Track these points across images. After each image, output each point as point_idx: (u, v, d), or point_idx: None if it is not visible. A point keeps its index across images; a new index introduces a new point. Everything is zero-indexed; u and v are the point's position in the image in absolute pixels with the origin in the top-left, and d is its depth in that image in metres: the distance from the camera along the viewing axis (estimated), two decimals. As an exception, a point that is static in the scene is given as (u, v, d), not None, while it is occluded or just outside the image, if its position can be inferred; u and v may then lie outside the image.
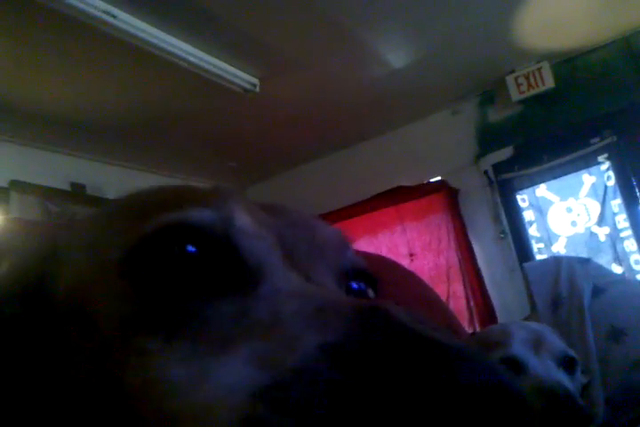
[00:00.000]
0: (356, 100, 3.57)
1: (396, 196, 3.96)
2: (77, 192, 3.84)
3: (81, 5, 2.39)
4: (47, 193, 3.72)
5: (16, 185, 3.59)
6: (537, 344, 1.02)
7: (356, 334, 0.27)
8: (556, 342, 1.05)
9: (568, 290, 1.88)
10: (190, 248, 0.34)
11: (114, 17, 2.47)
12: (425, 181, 3.98)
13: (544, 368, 0.98)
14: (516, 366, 0.99)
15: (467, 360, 0.24)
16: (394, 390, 0.23)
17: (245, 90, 3.22)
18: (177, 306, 0.32)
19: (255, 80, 3.20)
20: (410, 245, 3.97)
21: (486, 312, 3.57)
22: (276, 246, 0.36)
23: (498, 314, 3.53)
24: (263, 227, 0.37)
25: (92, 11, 2.43)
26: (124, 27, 2.54)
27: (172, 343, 0.31)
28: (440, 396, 0.22)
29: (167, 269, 0.33)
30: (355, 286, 0.40)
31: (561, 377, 0.97)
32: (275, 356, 0.28)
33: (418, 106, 3.79)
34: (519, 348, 1.01)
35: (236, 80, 3.13)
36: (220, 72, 3.03)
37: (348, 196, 4.06)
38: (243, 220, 0.36)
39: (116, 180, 3.88)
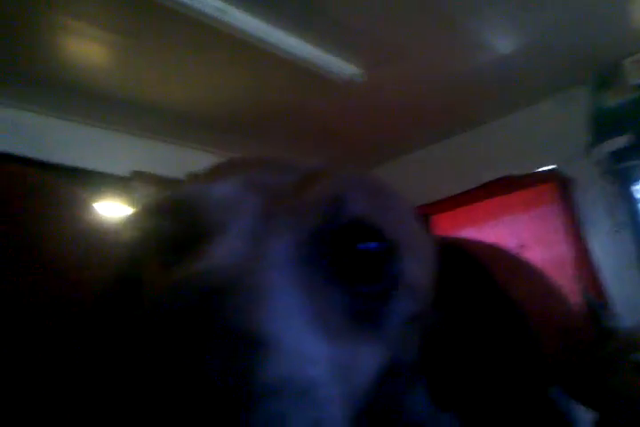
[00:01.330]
0: (461, 88, 3.50)
1: (504, 185, 3.84)
2: (192, 182, 4.08)
3: (194, 3, 2.54)
4: (166, 183, 3.98)
5: (138, 175, 3.88)
6: None
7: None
8: None
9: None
10: (164, 219, 0.41)
11: (225, 13, 2.59)
12: (534, 171, 3.83)
13: None
14: None
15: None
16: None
17: (349, 81, 3.26)
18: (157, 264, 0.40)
19: (359, 70, 3.23)
20: (518, 238, 3.83)
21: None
22: (246, 212, 0.38)
23: (615, 310, 3.34)
24: (245, 193, 0.40)
25: (204, 8, 2.57)
26: (234, 22, 2.66)
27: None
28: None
29: (153, 235, 0.42)
30: (367, 245, 0.37)
31: None
32: None
33: (526, 92, 3.65)
34: None
35: (340, 71, 3.18)
36: (324, 64, 3.09)
37: (452, 186, 4.00)
38: (217, 190, 0.40)
39: (226, 170, 4.06)
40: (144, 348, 0.26)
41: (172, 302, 0.28)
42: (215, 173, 0.43)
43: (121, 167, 3.76)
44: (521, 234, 3.84)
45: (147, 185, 3.89)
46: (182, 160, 4.09)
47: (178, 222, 0.40)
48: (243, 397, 0.25)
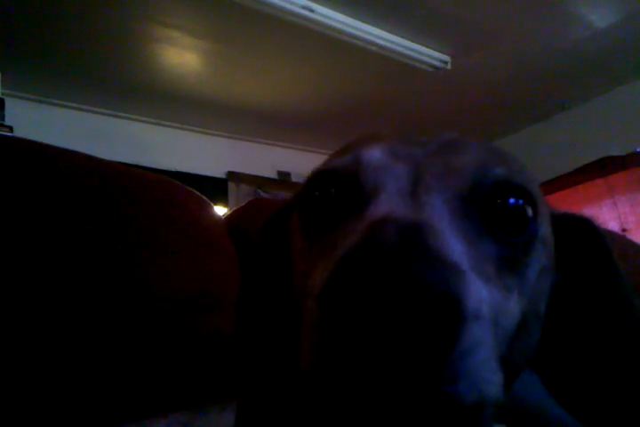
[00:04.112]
0: (555, 67, 3.36)
1: (604, 167, 3.67)
2: (283, 179, 4.17)
3: (282, 3, 2.59)
4: (258, 181, 4.09)
5: (232, 176, 4.01)
6: None
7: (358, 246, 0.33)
8: None
9: None
10: (327, 188, 0.43)
11: (312, 11, 2.62)
12: (637, 150, 3.63)
13: None
14: None
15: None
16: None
17: (436, 68, 3.22)
18: (321, 230, 0.42)
19: (446, 57, 3.19)
20: (621, 221, 3.66)
21: None
22: (399, 176, 0.41)
23: None
24: (394, 160, 0.43)
25: (292, 7, 2.61)
26: (321, 19, 2.69)
27: (315, 259, 0.40)
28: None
29: (315, 202, 0.43)
30: (511, 201, 0.41)
31: None
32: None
33: (625, 68, 3.46)
34: None
35: (427, 59, 3.15)
36: (412, 53, 3.07)
37: (548, 170, 3.85)
38: (368, 158, 0.43)
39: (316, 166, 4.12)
40: (374, 272, 0.29)
41: (389, 235, 0.32)
42: (357, 146, 0.45)
43: (217, 169, 3.90)
44: (624, 218, 3.65)
45: (240, 185, 4.02)
46: (275, 159, 4.20)
47: (340, 186, 0.42)
48: (457, 316, 0.29)
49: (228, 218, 1.18)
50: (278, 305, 0.49)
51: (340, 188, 0.42)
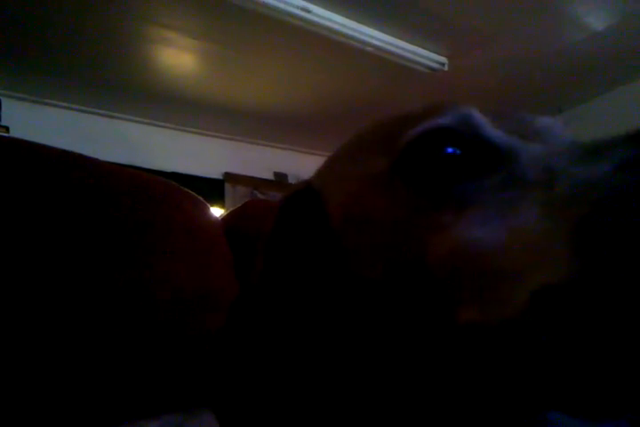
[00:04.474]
0: (551, 69, 3.37)
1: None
2: (280, 181, 4.17)
3: (278, 4, 2.59)
4: (254, 183, 4.08)
5: (229, 177, 4.00)
6: None
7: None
8: None
9: None
10: (447, 145, 0.41)
11: (309, 12, 2.63)
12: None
13: None
14: None
15: None
16: None
17: (433, 69, 3.23)
18: (456, 189, 0.39)
19: (443, 59, 3.19)
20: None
21: None
22: (510, 133, 0.42)
23: None
24: (494, 120, 0.44)
25: (288, 8, 2.61)
26: (318, 20, 2.69)
27: (463, 215, 0.38)
28: None
29: (437, 164, 0.40)
30: None
31: None
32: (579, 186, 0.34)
33: (622, 70, 3.47)
34: None
35: (424, 60, 3.15)
36: (408, 54, 3.07)
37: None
38: (479, 117, 0.43)
39: (313, 167, 4.11)
40: None
41: None
42: (454, 108, 0.44)
43: (213, 170, 3.90)
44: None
45: (237, 186, 4.02)
46: (271, 161, 4.20)
47: (463, 145, 0.42)
48: None
49: (225, 219, 1.18)
50: (326, 296, 0.45)
51: (461, 146, 0.41)
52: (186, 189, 1.06)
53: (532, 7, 2.79)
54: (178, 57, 3.07)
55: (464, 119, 0.42)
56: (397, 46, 3.02)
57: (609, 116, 3.70)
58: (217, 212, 3.82)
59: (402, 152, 0.42)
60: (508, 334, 0.33)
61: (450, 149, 0.40)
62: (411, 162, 0.41)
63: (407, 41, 3.02)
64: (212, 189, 3.82)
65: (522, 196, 0.37)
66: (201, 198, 1.08)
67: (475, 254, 0.36)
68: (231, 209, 1.26)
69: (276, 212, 0.49)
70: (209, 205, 1.11)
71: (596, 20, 2.96)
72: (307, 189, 0.49)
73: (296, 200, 0.50)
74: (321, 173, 0.51)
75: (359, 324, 0.43)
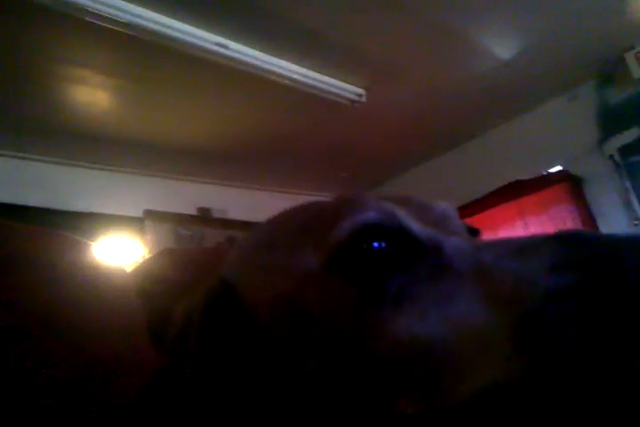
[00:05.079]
0: (464, 97, 3.51)
1: (515, 190, 3.84)
2: (204, 216, 4.07)
3: (195, 41, 2.55)
4: (177, 219, 3.96)
5: (149, 214, 3.86)
6: None
7: (570, 253, 0.36)
8: None
9: None
10: (378, 241, 0.43)
11: (226, 48, 2.61)
12: (544, 173, 3.82)
13: None
14: None
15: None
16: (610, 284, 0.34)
17: (352, 101, 3.27)
18: (390, 283, 0.40)
19: (361, 90, 3.24)
20: (534, 240, 3.81)
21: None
22: (427, 224, 0.46)
23: None
24: (407, 212, 0.46)
25: (205, 44, 2.58)
26: (236, 55, 2.68)
27: (401, 309, 0.39)
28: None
29: (372, 260, 0.42)
30: None
31: None
32: (518, 284, 0.36)
33: (530, 96, 3.66)
34: None
35: (343, 93, 3.19)
36: (326, 87, 3.10)
37: (462, 195, 3.98)
38: (399, 212, 0.45)
39: (238, 201, 4.07)
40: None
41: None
42: (377, 204, 0.47)
43: (133, 208, 3.75)
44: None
45: (158, 223, 3.89)
46: (194, 196, 4.10)
47: (390, 239, 0.43)
48: None
49: (135, 274, 1.08)
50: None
51: (389, 240, 0.42)
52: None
53: (441, 38, 2.90)
54: (92, 95, 2.96)
55: (389, 214, 0.44)
56: (315, 79, 3.04)
57: (520, 140, 3.89)
58: (139, 251, 3.68)
59: (337, 250, 0.42)
60: (450, 425, 0.35)
61: (381, 245, 0.42)
62: (346, 259, 0.42)
63: (324, 73, 3.06)
64: (133, 227, 3.68)
65: (457, 288, 0.38)
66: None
67: (417, 349, 0.37)
68: (144, 261, 1.16)
69: (200, 304, 0.47)
70: (129, 243, 1.00)
71: (503, 50, 3.11)
72: (221, 285, 0.48)
73: (213, 297, 0.48)
74: (234, 264, 0.50)
75: (297, 414, 0.42)
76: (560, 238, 0.38)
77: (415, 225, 0.44)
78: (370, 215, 0.43)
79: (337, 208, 0.46)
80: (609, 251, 0.35)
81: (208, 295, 0.48)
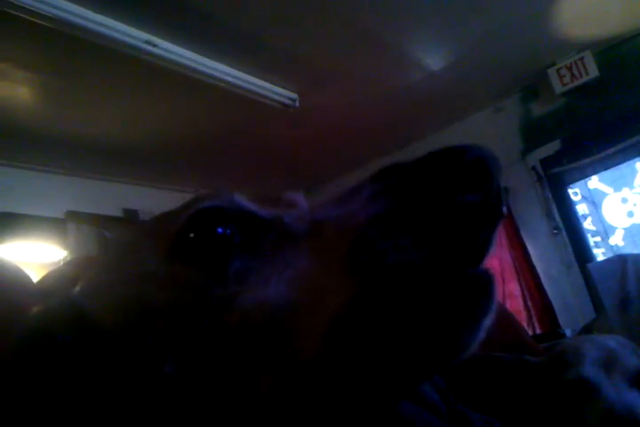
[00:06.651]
0: (395, 106, 3.56)
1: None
2: (130, 218, 3.94)
3: (123, 37, 2.47)
4: (102, 221, 3.82)
5: (72, 216, 3.71)
6: (609, 364, 1.00)
7: (385, 182, 0.42)
8: (629, 358, 1.01)
9: (637, 289, 1.82)
10: (223, 226, 0.44)
11: (155, 46, 2.53)
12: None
13: (616, 392, 0.96)
14: (587, 389, 0.98)
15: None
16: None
17: (286, 105, 3.26)
18: (234, 260, 0.42)
19: (294, 95, 3.23)
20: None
21: (544, 311, 3.46)
22: (269, 207, 0.48)
23: (557, 312, 3.43)
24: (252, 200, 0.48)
25: (133, 41, 2.51)
26: (165, 54, 2.61)
27: (246, 283, 0.40)
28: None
29: (214, 242, 0.43)
30: None
31: (634, 400, 0.95)
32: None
33: (458, 107, 3.76)
34: (590, 370, 0.99)
35: (276, 97, 3.17)
36: (259, 90, 3.08)
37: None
38: (238, 197, 0.47)
39: (167, 203, 3.93)
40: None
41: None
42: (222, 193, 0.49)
43: (54, 209, 3.59)
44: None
45: (82, 225, 3.73)
46: (120, 197, 3.96)
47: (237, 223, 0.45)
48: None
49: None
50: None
51: (236, 224, 0.44)
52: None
53: (372, 47, 2.95)
54: (12, 90, 2.81)
55: (229, 199, 0.46)
56: (248, 82, 3.01)
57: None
58: (59, 254, 3.52)
59: (176, 237, 0.43)
60: (314, 374, 0.37)
61: (225, 229, 0.43)
62: (186, 245, 0.43)
63: (258, 77, 3.03)
64: (54, 229, 3.51)
65: (294, 250, 0.41)
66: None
67: (265, 315, 0.38)
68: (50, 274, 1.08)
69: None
70: (49, 245, 0.95)
71: (432, 62, 3.18)
72: (69, 304, 0.46)
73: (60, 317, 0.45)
74: (85, 286, 0.49)
75: (180, 402, 0.41)
76: (376, 173, 0.42)
77: (255, 207, 0.46)
78: (207, 203, 0.45)
79: (184, 206, 0.47)
80: (416, 171, 0.40)
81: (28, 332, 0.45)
